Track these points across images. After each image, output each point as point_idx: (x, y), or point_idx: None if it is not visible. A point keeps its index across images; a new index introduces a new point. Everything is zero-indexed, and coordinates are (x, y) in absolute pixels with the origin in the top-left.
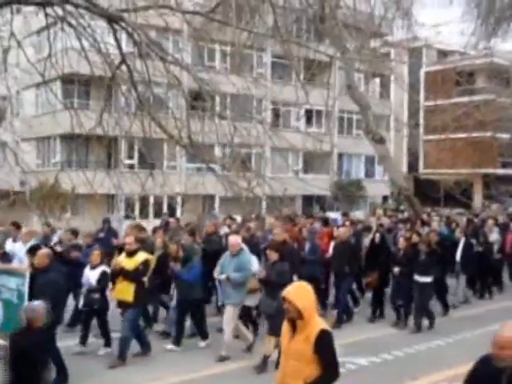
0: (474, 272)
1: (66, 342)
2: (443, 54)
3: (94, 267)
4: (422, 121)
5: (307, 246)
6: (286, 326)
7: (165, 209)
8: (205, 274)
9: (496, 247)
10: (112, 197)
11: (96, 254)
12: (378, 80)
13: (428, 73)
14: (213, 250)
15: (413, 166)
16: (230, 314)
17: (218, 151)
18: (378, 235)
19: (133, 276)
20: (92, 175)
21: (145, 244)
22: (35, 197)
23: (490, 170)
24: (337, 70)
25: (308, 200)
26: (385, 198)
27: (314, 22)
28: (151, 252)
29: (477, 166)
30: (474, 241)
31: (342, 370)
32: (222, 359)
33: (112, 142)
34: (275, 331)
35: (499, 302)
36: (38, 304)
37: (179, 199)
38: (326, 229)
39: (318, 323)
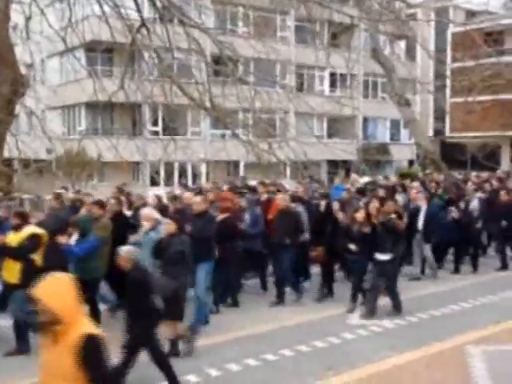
0: (439, 241)
1: None
2: (471, 14)
3: None
4: (448, 83)
5: (247, 218)
6: (43, 335)
7: (189, 175)
8: None
9: (476, 216)
10: (137, 164)
11: None
12: (403, 42)
13: (455, 34)
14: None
15: (439, 130)
16: None
17: (241, 116)
18: (323, 203)
19: (16, 253)
20: (117, 142)
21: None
22: (62, 164)
23: None
24: (361, 33)
25: (333, 164)
26: (411, 162)
27: None
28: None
29: (505, 128)
30: (452, 208)
31: (365, 332)
32: None
33: (136, 110)
34: (176, 315)
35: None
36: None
37: (204, 165)
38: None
39: (81, 327)
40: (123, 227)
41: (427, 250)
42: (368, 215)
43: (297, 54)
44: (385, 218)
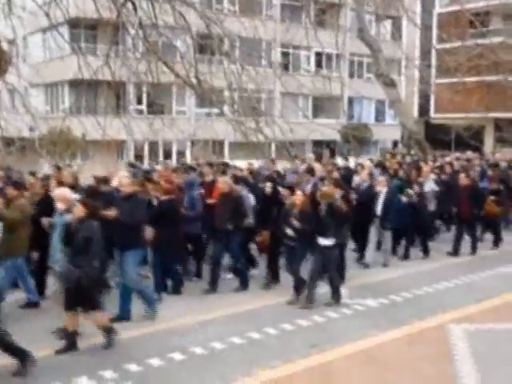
0: (398, 227)
1: None
2: None
3: None
4: (434, 62)
5: (185, 200)
6: None
7: (174, 154)
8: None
9: (431, 199)
10: (122, 142)
11: None
12: (389, 22)
13: (441, 14)
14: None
15: (424, 110)
16: None
17: (227, 94)
18: (268, 185)
19: None
20: (101, 121)
21: None
22: (45, 143)
23: (503, 114)
24: (348, 13)
25: (318, 144)
26: (395, 143)
27: None
28: None
29: (489, 109)
30: (409, 190)
31: (349, 311)
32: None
33: (120, 88)
34: (78, 305)
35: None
36: None
37: (188, 144)
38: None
39: None
40: (50, 210)
41: (387, 238)
42: (313, 199)
43: (282, 33)
44: (328, 201)
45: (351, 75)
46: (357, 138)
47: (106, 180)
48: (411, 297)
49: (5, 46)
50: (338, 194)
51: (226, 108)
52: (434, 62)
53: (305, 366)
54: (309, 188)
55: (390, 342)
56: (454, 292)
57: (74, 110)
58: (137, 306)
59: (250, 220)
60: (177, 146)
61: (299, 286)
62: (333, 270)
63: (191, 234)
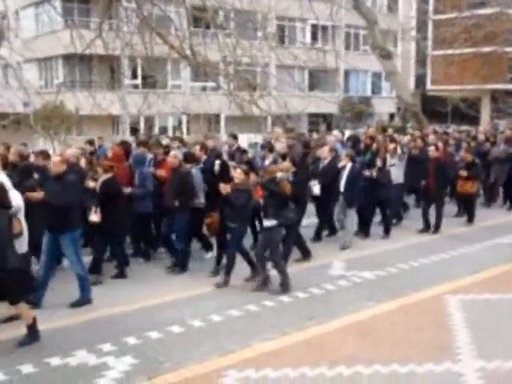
0: (362, 204)
1: None
2: None
3: None
4: (430, 35)
5: (136, 178)
6: None
7: (170, 128)
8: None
9: (394, 175)
10: (117, 117)
11: None
12: None
13: None
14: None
15: (420, 82)
16: None
17: (222, 66)
18: (217, 163)
19: None
20: (95, 95)
21: None
22: (40, 118)
23: (499, 86)
24: None
25: (314, 118)
26: (391, 115)
27: None
28: None
29: (485, 81)
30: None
31: (346, 283)
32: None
33: (114, 61)
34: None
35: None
36: None
37: (184, 119)
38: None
39: None
40: None
41: (350, 215)
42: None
43: (278, 4)
44: (267, 180)
45: (347, 47)
46: (358, 112)
47: (43, 154)
48: (408, 268)
49: None
50: (283, 173)
51: (221, 81)
52: (430, 33)
53: (302, 338)
54: (266, 164)
55: (386, 313)
56: (450, 263)
57: (68, 85)
58: (130, 282)
59: (200, 200)
60: (173, 120)
61: (228, 267)
62: (275, 253)
63: (142, 213)
